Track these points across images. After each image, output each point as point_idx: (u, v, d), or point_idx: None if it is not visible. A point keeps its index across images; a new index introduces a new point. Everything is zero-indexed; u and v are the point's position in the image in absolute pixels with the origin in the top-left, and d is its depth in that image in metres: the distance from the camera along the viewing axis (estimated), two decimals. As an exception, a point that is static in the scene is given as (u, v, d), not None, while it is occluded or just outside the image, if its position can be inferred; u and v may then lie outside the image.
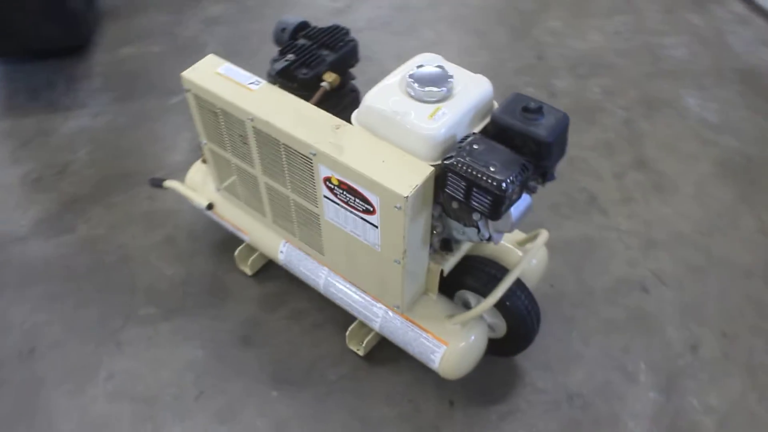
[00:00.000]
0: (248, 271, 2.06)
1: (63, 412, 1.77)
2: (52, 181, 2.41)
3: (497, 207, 1.29)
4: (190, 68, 1.62)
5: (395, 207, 1.34)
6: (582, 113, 2.67)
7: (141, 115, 2.68)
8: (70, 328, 1.97)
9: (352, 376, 1.83)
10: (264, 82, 1.57)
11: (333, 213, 1.53)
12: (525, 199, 1.43)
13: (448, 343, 1.62)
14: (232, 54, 2.85)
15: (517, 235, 1.81)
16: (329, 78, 1.57)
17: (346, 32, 1.67)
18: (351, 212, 1.47)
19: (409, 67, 1.47)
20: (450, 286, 1.70)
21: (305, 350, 1.89)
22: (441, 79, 1.41)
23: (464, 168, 1.29)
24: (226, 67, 1.62)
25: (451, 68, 1.47)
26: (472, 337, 1.64)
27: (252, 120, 1.51)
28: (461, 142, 1.35)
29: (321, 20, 1.73)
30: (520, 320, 1.66)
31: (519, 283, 1.66)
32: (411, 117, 1.36)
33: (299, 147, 1.45)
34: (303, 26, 1.70)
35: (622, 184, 2.36)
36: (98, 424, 1.75)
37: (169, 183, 2.02)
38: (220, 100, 1.55)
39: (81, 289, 2.07)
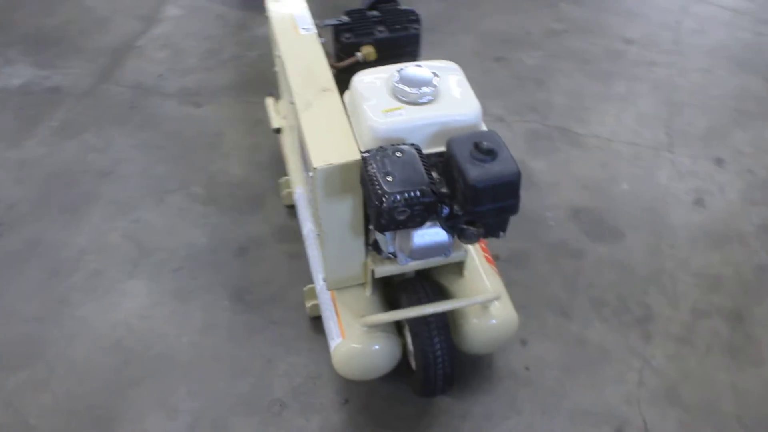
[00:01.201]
0: (284, 201, 2.22)
1: (88, 229, 2.16)
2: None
3: (377, 218, 1.26)
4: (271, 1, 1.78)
5: (310, 174, 1.37)
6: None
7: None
8: (143, 171, 2.35)
9: (291, 326, 1.91)
10: (314, 31, 1.67)
11: (304, 167, 1.60)
12: (438, 234, 1.35)
13: (345, 337, 1.61)
14: None
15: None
16: (365, 51, 1.62)
17: (414, 19, 1.68)
18: (304, 168, 1.53)
19: (412, 64, 1.45)
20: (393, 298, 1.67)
21: (275, 287, 2.01)
22: (419, 84, 1.37)
23: (367, 167, 1.27)
24: (301, 6, 1.75)
25: (451, 82, 1.42)
26: (374, 346, 1.60)
27: (279, 57, 1.63)
28: (393, 145, 1.32)
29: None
30: (425, 364, 1.57)
31: (440, 328, 1.56)
32: (369, 104, 1.37)
33: (291, 93, 1.54)
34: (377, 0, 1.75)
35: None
36: (100, 249, 2.10)
37: (267, 100, 2.28)
38: (272, 32, 1.70)
39: (172, 147, 2.44)
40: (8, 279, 2.03)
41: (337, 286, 1.67)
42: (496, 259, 2.06)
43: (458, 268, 1.67)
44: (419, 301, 1.56)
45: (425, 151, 1.35)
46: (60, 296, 1.98)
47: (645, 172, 2.33)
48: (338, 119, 1.43)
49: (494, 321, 1.63)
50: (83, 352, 1.85)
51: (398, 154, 1.29)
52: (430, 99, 1.38)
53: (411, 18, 1.68)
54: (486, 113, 2.25)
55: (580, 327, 1.92)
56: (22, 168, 2.38)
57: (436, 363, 1.56)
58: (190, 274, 2.04)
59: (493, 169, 1.26)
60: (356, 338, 1.60)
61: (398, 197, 1.23)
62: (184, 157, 2.41)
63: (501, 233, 1.42)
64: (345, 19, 1.66)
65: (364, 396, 1.77)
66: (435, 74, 1.40)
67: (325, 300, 1.70)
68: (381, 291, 1.70)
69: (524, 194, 1.32)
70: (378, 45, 1.64)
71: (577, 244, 2.11)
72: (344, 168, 1.35)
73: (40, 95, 2.70)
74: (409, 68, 1.40)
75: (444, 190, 1.31)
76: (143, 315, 1.93)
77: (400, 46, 1.67)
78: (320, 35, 1.68)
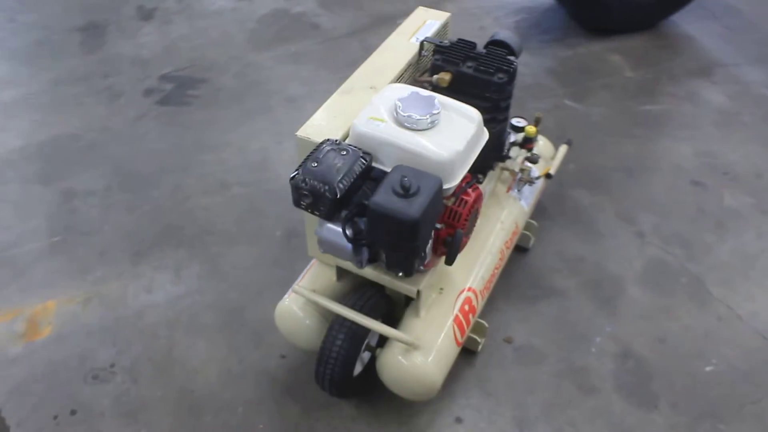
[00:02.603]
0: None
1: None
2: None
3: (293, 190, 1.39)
4: (425, 8, 1.93)
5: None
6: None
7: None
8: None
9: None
10: (421, 42, 1.79)
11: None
12: (337, 232, 1.41)
13: (285, 300, 1.76)
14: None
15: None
16: (440, 76, 1.69)
17: (506, 69, 1.67)
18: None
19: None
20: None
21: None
22: (413, 108, 1.43)
23: (311, 155, 1.40)
24: (434, 24, 1.87)
25: (456, 126, 1.45)
26: (306, 320, 1.72)
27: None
28: (350, 145, 1.42)
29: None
30: (318, 357, 1.65)
31: (351, 337, 1.62)
32: (369, 108, 1.48)
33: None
34: (500, 43, 1.77)
35: None
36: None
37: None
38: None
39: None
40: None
41: (316, 256, 1.82)
42: (508, 342, 1.97)
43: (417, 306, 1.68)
44: (350, 303, 1.64)
45: (381, 167, 1.43)
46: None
47: (744, 366, 1.90)
48: (357, 111, 1.55)
49: (407, 364, 1.61)
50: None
51: (344, 152, 1.40)
52: (414, 126, 1.43)
53: (504, 67, 1.68)
54: (630, 220, 2.20)
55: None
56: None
57: (327, 362, 1.63)
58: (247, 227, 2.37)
59: (397, 203, 1.30)
60: (295, 302, 1.75)
61: (304, 181, 1.35)
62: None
63: (400, 272, 1.43)
64: (446, 42, 1.74)
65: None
66: (436, 109, 1.44)
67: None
68: (355, 287, 1.78)
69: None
70: (456, 76, 1.70)
71: (598, 381, 1.87)
72: (314, 145, 1.49)
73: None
74: (424, 93, 1.47)
75: (365, 202, 1.37)
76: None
77: (478, 87, 1.68)
78: (426, 50, 1.79)
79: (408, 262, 1.39)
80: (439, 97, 1.49)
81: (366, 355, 1.77)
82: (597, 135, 2.68)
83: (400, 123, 1.44)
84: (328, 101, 1.63)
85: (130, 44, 3.21)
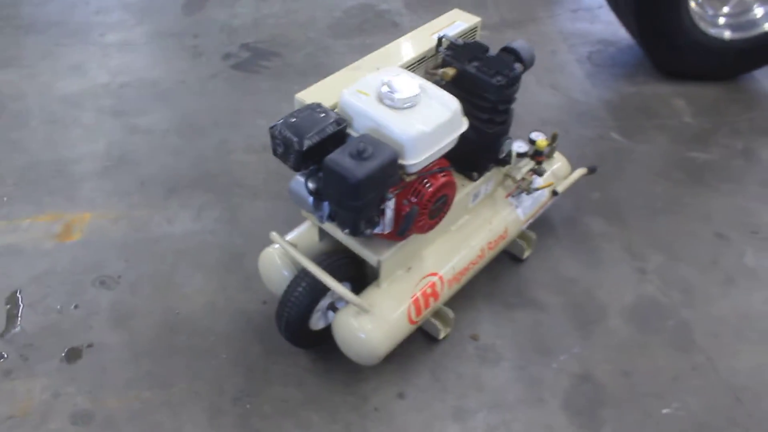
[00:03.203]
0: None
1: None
2: None
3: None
4: (459, 11, 2.04)
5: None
6: None
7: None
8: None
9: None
10: (438, 39, 1.90)
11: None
12: (303, 184, 1.56)
13: (269, 249, 1.92)
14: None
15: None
16: (444, 70, 1.79)
17: (505, 74, 1.75)
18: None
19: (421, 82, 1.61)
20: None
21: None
22: (395, 88, 1.55)
23: (294, 112, 1.55)
24: (461, 25, 1.98)
25: (433, 111, 1.55)
26: (284, 271, 1.87)
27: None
28: (330, 109, 1.56)
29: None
30: (280, 300, 1.80)
31: (310, 290, 1.76)
32: (361, 82, 1.62)
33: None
34: (512, 50, 1.84)
35: None
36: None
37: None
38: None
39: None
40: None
41: (307, 216, 1.97)
42: (474, 339, 2.03)
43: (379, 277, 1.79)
44: (319, 261, 1.78)
45: (353, 134, 1.56)
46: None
47: (705, 417, 1.84)
48: (356, 82, 1.67)
49: (356, 326, 1.73)
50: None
51: (322, 114, 1.54)
52: (391, 104, 1.55)
53: (504, 71, 1.76)
54: (636, 256, 2.29)
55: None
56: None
57: (285, 305, 1.78)
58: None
59: (347, 163, 1.43)
60: (277, 252, 1.91)
61: (280, 132, 1.50)
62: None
63: (345, 230, 1.55)
64: (460, 42, 1.84)
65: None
66: (414, 95, 1.55)
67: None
68: (332, 251, 1.91)
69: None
70: (460, 73, 1.79)
71: (548, 395, 1.89)
72: (304, 106, 1.65)
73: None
74: (401, 76, 1.59)
75: (326, 160, 1.51)
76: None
77: (478, 86, 1.77)
78: (443, 47, 1.90)
79: (353, 222, 1.51)
80: (424, 84, 1.61)
81: (331, 315, 1.90)
82: (632, 170, 2.66)
83: (380, 99, 1.57)
84: (336, 74, 1.78)
85: (225, 13, 3.52)
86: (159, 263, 2.21)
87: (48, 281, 2.15)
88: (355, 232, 1.54)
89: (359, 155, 1.43)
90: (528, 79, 3.08)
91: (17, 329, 2.01)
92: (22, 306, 2.07)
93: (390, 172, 1.48)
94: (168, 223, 2.35)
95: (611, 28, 3.48)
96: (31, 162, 2.58)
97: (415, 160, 1.53)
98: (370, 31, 3.42)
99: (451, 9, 2.02)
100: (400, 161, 1.51)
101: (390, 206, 1.58)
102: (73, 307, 2.07)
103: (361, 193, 1.42)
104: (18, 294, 2.10)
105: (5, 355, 1.94)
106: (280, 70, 3.13)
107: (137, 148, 2.66)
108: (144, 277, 2.17)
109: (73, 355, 1.95)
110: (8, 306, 2.07)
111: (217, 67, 3.13)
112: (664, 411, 1.88)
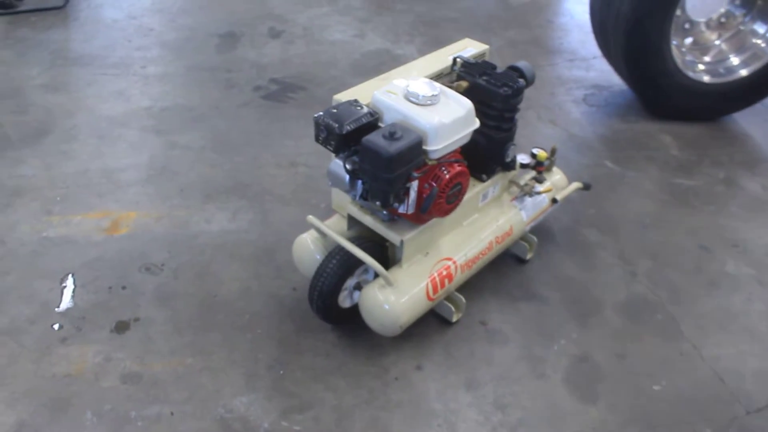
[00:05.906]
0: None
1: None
2: None
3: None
4: (470, 40, 2.37)
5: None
6: None
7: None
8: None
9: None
10: (453, 59, 2.22)
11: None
12: (341, 165, 1.83)
13: (304, 234, 2.18)
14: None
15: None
16: (458, 83, 2.09)
17: (510, 85, 2.05)
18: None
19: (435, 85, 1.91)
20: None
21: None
22: (419, 89, 1.84)
23: (335, 105, 1.85)
24: (474, 50, 2.30)
25: (450, 108, 1.84)
26: (312, 247, 2.13)
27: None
28: (366, 106, 1.86)
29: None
30: (314, 273, 2.04)
31: (342, 264, 2.00)
32: (393, 84, 1.92)
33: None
34: (516, 69, 2.15)
35: None
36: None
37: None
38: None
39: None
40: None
41: (336, 209, 2.24)
42: (483, 324, 2.26)
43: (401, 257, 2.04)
44: (351, 240, 2.03)
45: (383, 125, 1.85)
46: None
47: (690, 393, 2.04)
48: (386, 86, 1.98)
49: (381, 298, 1.96)
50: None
51: (359, 108, 1.84)
52: (416, 101, 1.84)
53: (509, 83, 2.06)
54: (628, 261, 2.54)
55: None
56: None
57: (319, 278, 2.02)
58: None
59: (382, 142, 1.71)
60: (310, 237, 2.16)
61: (323, 120, 1.79)
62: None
63: (376, 202, 1.81)
64: (472, 60, 2.16)
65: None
66: (435, 95, 1.85)
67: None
68: (362, 239, 2.16)
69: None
70: (472, 85, 2.09)
71: (551, 371, 2.10)
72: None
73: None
74: (421, 80, 1.89)
75: (364, 143, 1.79)
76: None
77: (487, 96, 2.07)
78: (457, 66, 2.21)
79: (384, 194, 1.77)
80: (443, 88, 1.90)
81: (356, 295, 2.13)
82: (624, 192, 2.94)
83: (407, 98, 1.86)
84: (367, 82, 2.08)
85: (255, 53, 3.89)
86: (198, 255, 2.46)
87: (98, 267, 2.38)
88: (385, 205, 1.80)
89: (391, 136, 1.71)
90: (529, 115, 3.43)
91: (71, 305, 2.24)
92: (75, 286, 2.30)
93: (416, 152, 1.76)
94: (206, 223, 2.61)
95: (605, 75, 3.84)
96: (81, 169, 2.86)
97: (436, 146, 1.81)
98: (387, 71, 3.77)
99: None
100: (424, 147, 1.80)
101: (414, 187, 1.85)
102: (121, 288, 2.30)
103: (393, 166, 1.69)
104: (71, 276, 2.34)
105: (62, 326, 2.16)
106: (306, 101, 3.46)
107: (177, 161, 2.95)
108: (185, 266, 2.40)
109: (122, 327, 2.17)
110: (63, 285, 2.30)
111: (249, 97, 3.46)
112: (655, 387, 2.09)
